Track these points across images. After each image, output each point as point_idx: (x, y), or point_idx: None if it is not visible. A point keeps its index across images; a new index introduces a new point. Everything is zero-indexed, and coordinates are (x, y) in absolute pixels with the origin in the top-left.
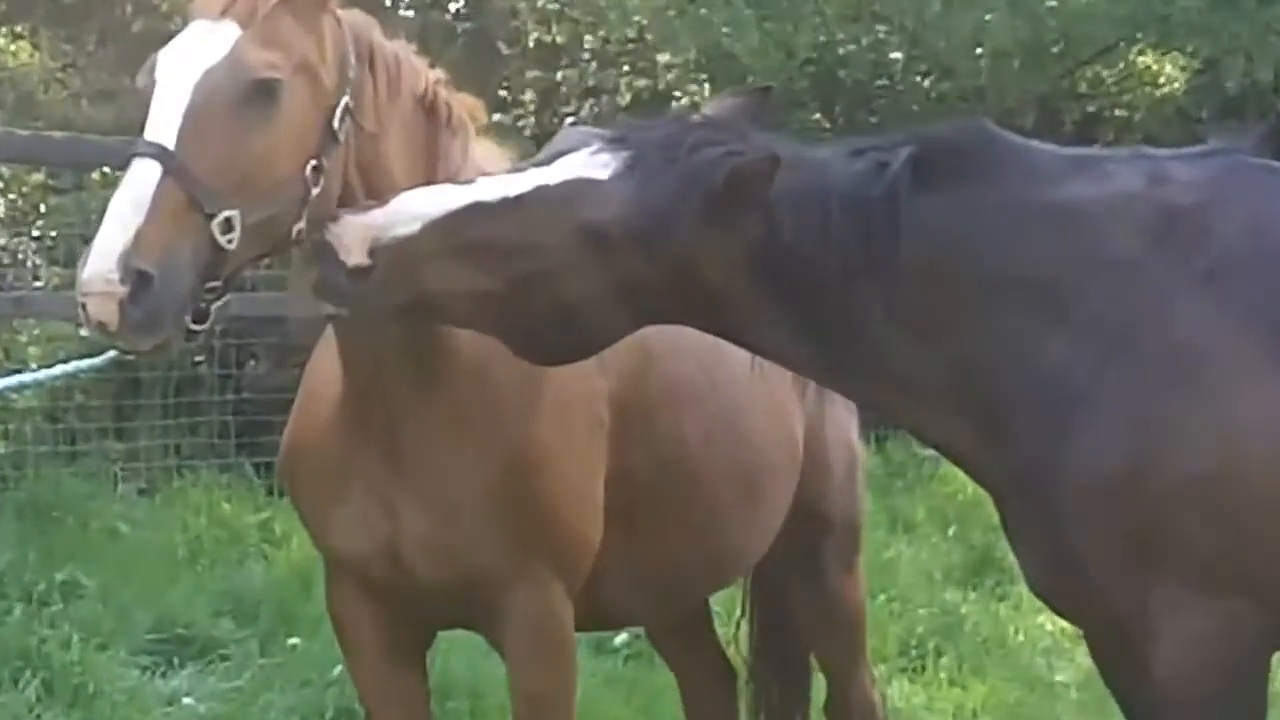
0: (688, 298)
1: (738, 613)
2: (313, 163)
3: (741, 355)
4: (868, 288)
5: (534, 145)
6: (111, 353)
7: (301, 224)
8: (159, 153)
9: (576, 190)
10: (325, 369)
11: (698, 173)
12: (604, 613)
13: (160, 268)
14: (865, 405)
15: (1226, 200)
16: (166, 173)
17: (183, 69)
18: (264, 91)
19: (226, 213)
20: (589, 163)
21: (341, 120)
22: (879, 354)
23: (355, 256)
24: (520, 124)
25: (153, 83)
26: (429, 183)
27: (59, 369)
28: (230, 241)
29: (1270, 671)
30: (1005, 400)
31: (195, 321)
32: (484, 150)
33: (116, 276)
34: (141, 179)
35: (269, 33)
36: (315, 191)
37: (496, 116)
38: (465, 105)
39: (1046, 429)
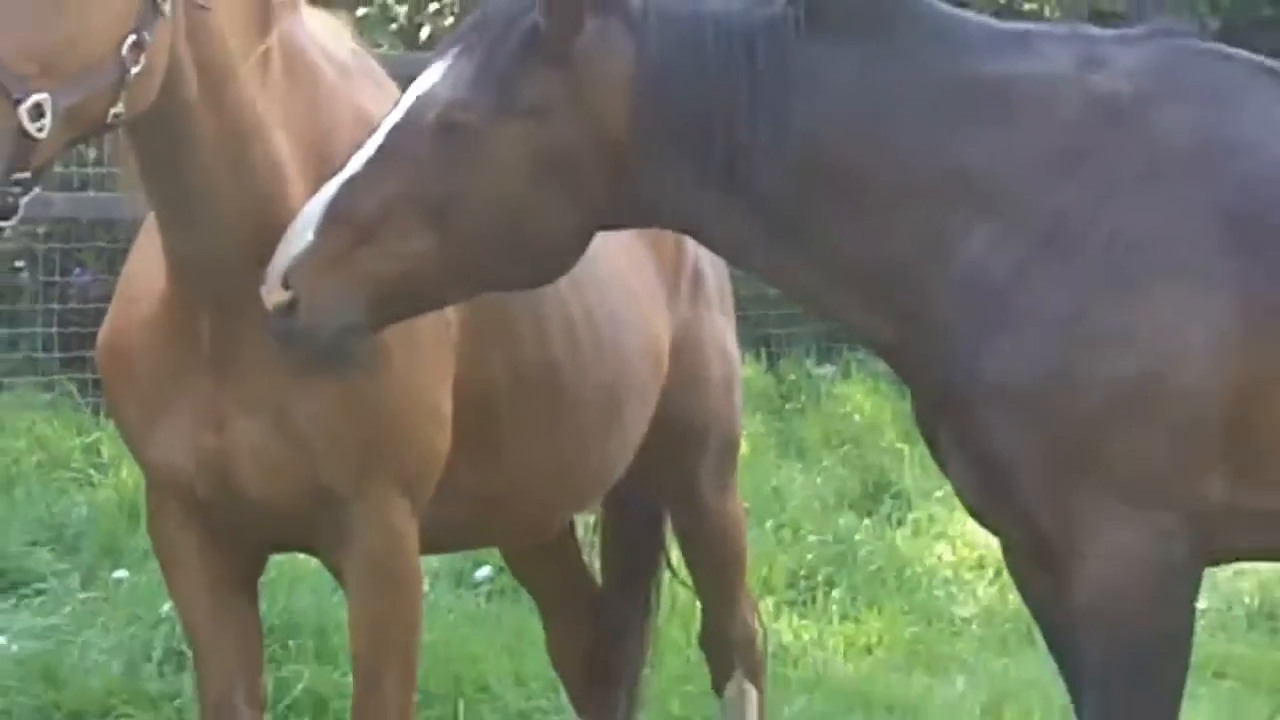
0: (609, 170)
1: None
2: (131, 39)
3: (609, 258)
4: (756, 134)
5: (399, 40)
6: None
7: (119, 108)
8: None
9: (420, 106)
10: (147, 266)
11: (517, 9)
12: (454, 534)
13: None
14: (788, 295)
15: (1171, 85)
16: None
17: None
18: None
19: (36, 97)
20: (429, 75)
21: None
22: (793, 234)
23: (274, 295)
24: (388, 15)
25: None
26: (264, 50)
27: None
28: (40, 129)
29: (1198, 592)
30: (922, 296)
31: (1, 218)
32: (318, 19)
33: None
34: None
35: None
36: (135, 70)
37: (362, 11)
38: None
39: (970, 332)
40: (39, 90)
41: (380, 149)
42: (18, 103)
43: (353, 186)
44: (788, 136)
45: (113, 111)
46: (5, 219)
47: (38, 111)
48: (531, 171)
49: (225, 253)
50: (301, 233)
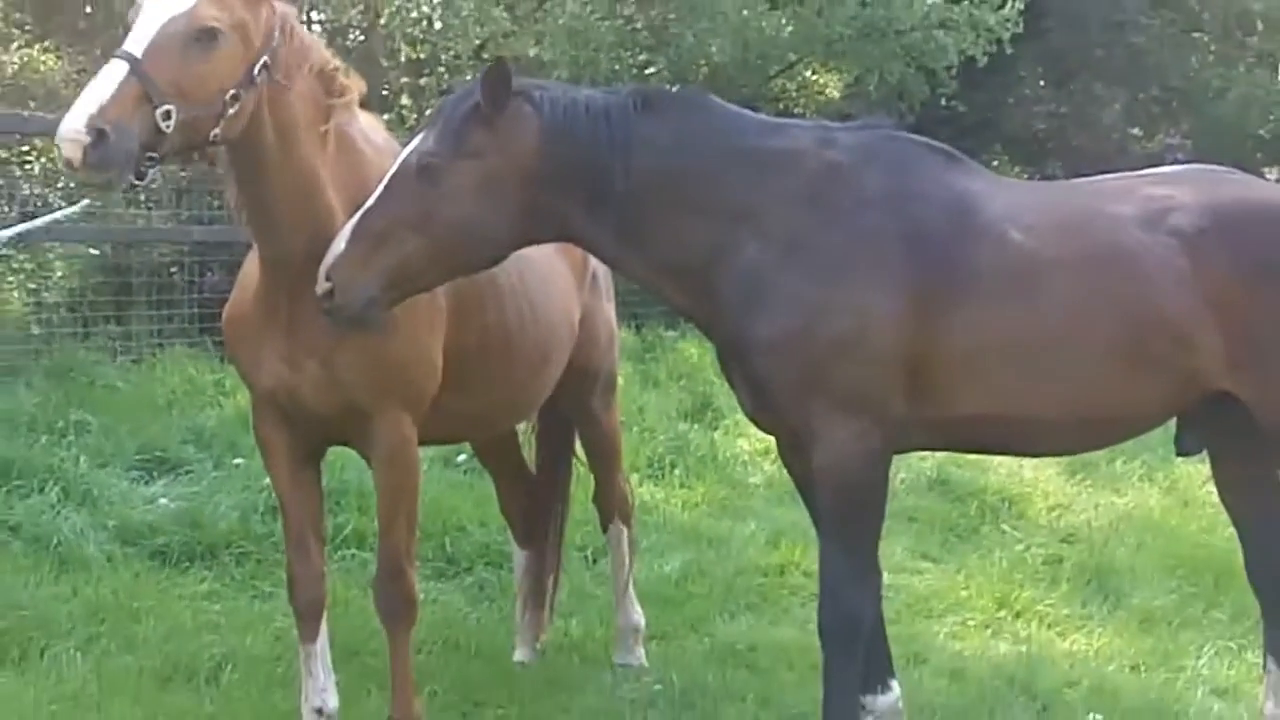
0: (526, 192)
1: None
2: (231, 91)
3: (540, 264)
4: (611, 173)
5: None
6: (83, 203)
7: (218, 130)
8: (129, 57)
9: (408, 158)
10: (252, 267)
11: (464, 96)
12: (442, 435)
13: (114, 129)
14: (643, 286)
15: (874, 157)
16: (131, 71)
17: (158, 10)
18: (208, 34)
19: (167, 106)
20: (413, 143)
21: (259, 71)
22: (638, 242)
23: (321, 285)
24: (404, 120)
25: (137, 14)
26: (324, 131)
27: (45, 219)
28: (168, 127)
29: (890, 468)
30: (717, 285)
31: (137, 178)
32: (366, 118)
33: (83, 129)
34: (113, 71)
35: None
36: (231, 111)
37: (386, 116)
38: (352, 82)
39: (745, 308)
40: (169, 103)
41: (385, 188)
42: (155, 106)
43: (368, 213)
44: (630, 176)
45: (212, 132)
46: (140, 180)
47: (167, 115)
48: (475, 193)
49: (294, 258)
50: (337, 244)
